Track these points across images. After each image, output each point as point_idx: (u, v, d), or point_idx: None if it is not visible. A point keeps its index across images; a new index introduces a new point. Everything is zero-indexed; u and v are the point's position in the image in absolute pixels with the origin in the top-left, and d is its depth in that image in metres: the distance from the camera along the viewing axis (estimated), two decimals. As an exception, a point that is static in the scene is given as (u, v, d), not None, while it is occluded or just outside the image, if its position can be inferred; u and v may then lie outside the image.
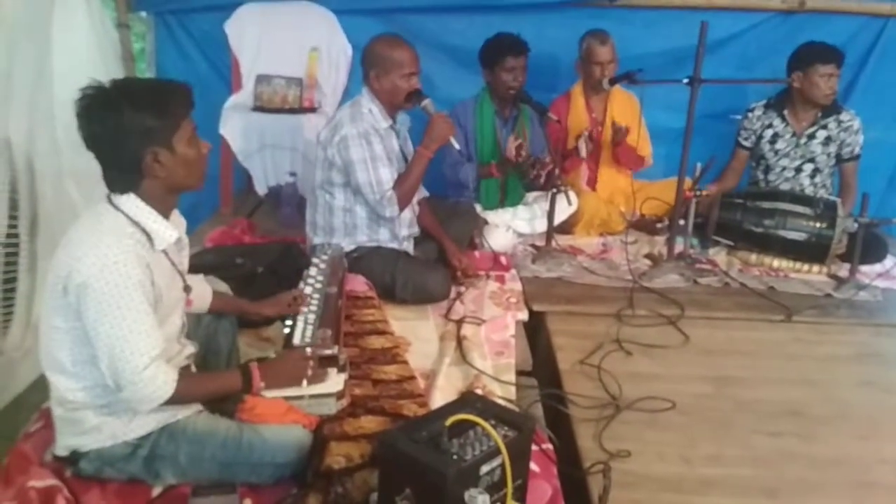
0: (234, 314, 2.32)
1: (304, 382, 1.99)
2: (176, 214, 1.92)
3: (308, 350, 2.08)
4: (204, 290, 2.19)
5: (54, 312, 1.74)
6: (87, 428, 1.80)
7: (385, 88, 2.97)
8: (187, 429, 1.84)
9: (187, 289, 1.96)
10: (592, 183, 4.05)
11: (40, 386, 1.90)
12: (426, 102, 2.98)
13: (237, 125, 3.85)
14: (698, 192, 3.34)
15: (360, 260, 3.03)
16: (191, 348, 1.98)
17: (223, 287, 2.34)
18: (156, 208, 1.79)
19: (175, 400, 1.76)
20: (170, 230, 1.82)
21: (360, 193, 2.97)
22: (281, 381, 1.97)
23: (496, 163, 3.75)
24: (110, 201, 1.77)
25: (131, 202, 1.77)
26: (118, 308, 1.66)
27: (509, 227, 3.71)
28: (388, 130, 3.05)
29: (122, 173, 1.76)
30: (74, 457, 1.82)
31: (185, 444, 1.82)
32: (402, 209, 2.98)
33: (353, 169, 2.92)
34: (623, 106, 3.96)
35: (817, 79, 3.64)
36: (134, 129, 1.70)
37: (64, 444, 1.83)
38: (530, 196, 3.90)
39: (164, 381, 1.72)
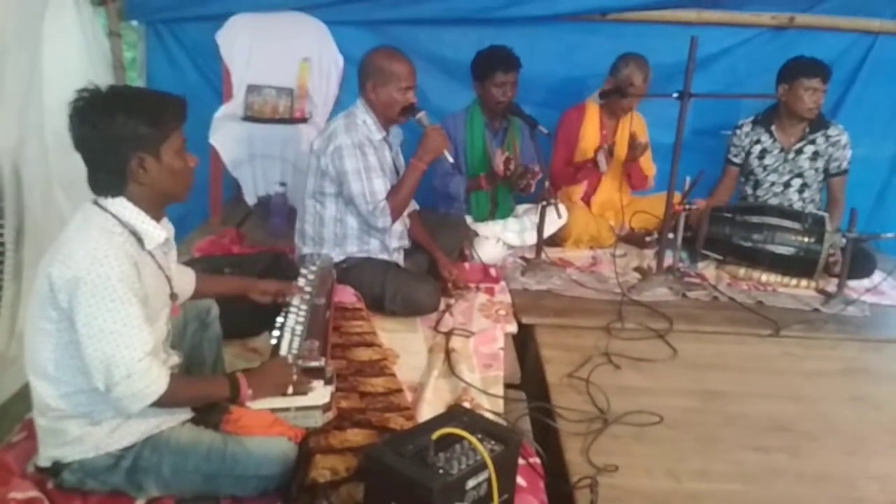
0: (234, 294, 2.32)
1: (290, 389, 1.98)
2: (165, 221, 1.92)
3: (290, 357, 2.07)
4: (186, 275, 2.15)
5: (41, 314, 1.73)
6: (69, 439, 1.78)
7: (381, 100, 2.97)
8: (171, 440, 1.82)
9: (174, 296, 1.95)
10: (588, 197, 4.04)
11: (24, 396, 1.89)
12: (421, 115, 2.98)
13: (227, 135, 3.84)
14: (687, 206, 3.35)
15: (350, 271, 3.02)
16: (175, 358, 1.96)
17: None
18: (144, 211, 1.80)
19: (165, 400, 1.73)
20: (158, 230, 1.83)
21: (353, 204, 2.96)
22: (266, 390, 1.96)
23: (485, 175, 3.76)
24: (98, 203, 1.77)
25: (119, 204, 1.77)
26: (111, 301, 1.65)
27: (499, 238, 3.72)
28: (382, 142, 3.04)
29: (107, 176, 1.76)
30: (57, 468, 1.80)
31: (169, 455, 1.80)
32: (394, 220, 2.98)
33: (347, 179, 2.91)
34: (634, 126, 3.94)
35: (801, 92, 3.66)
36: (124, 134, 1.71)
37: (46, 454, 1.81)
38: (520, 208, 3.91)
39: (158, 375, 1.71)
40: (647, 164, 3.99)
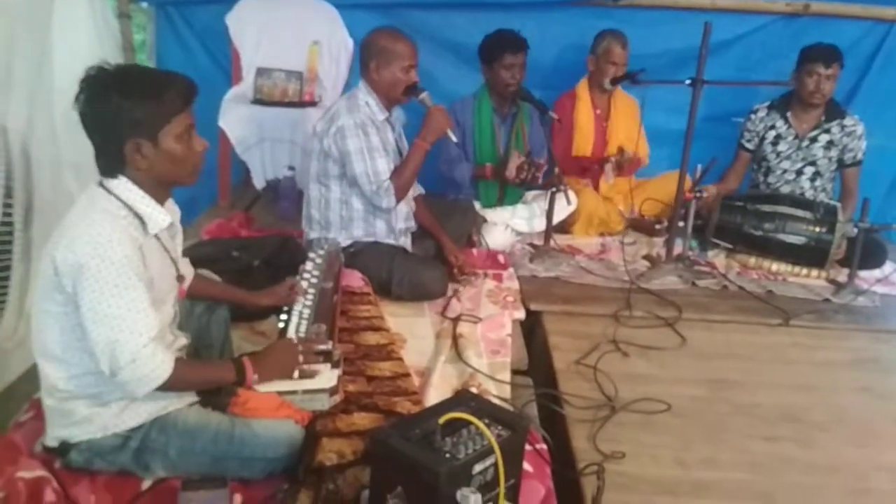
0: (229, 303, 2.30)
1: (296, 373, 1.97)
2: (171, 203, 1.90)
3: (295, 338, 2.07)
4: (187, 270, 2.14)
5: (47, 297, 1.72)
6: (77, 419, 1.78)
7: (384, 80, 2.95)
8: (178, 422, 1.82)
9: (180, 278, 1.94)
10: (595, 181, 4.03)
11: (32, 376, 1.89)
12: (424, 95, 2.96)
13: (236, 118, 3.83)
14: (698, 194, 3.33)
15: (357, 255, 3.01)
16: (183, 340, 1.96)
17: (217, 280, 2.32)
18: (148, 193, 1.78)
19: (170, 384, 1.73)
20: (163, 214, 1.81)
21: (357, 184, 2.95)
22: (272, 373, 1.95)
23: (492, 167, 3.73)
24: (102, 185, 1.75)
25: (123, 186, 1.75)
26: (115, 286, 1.64)
27: (508, 225, 3.71)
28: (385, 123, 3.03)
29: (106, 159, 1.74)
30: (64, 448, 1.80)
31: (176, 437, 1.81)
32: (398, 200, 2.96)
33: (350, 159, 2.90)
34: (625, 107, 3.96)
35: (804, 76, 3.64)
36: (120, 117, 1.68)
37: (54, 434, 1.81)
38: (529, 195, 3.89)
39: (163, 360, 1.71)
40: (642, 144, 3.97)
